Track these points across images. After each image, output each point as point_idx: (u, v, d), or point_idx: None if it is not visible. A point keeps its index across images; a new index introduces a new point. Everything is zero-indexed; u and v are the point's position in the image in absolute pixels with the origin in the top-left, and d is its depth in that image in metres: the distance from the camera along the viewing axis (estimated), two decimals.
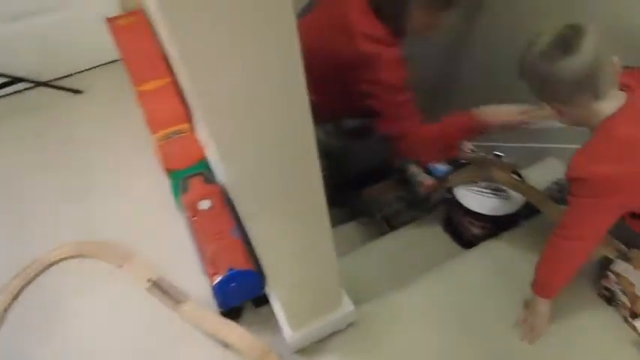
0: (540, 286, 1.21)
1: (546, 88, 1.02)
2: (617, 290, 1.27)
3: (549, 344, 1.25)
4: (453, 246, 1.58)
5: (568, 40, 0.95)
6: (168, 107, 1.58)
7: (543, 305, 1.23)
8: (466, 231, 1.54)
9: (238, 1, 0.64)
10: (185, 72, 0.71)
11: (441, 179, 1.58)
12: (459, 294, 1.37)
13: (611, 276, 1.27)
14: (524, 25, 1.64)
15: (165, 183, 1.50)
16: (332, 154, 1.37)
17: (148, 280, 1.36)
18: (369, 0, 1.26)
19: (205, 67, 0.68)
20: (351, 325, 1.28)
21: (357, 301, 1.27)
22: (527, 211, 1.48)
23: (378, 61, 1.25)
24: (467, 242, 1.54)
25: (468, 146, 1.63)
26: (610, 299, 1.30)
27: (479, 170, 1.52)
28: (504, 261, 1.42)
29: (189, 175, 1.44)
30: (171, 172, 1.46)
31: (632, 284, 1.22)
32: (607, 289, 1.29)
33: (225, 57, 0.68)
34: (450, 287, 1.39)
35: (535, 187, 1.46)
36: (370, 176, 1.75)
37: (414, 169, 1.66)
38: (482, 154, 1.60)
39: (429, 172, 1.62)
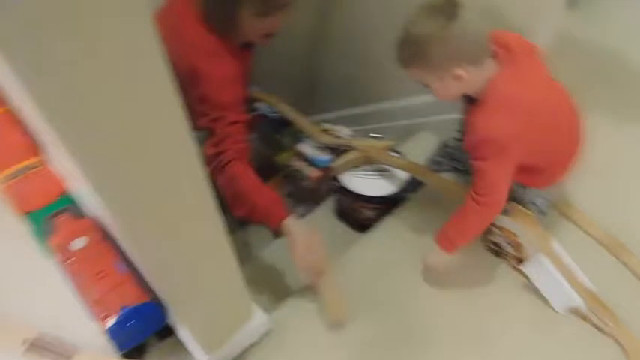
0: (448, 243, 1.25)
1: (450, 51, 1.03)
2: (503, 242, 1.39)
3: (454, 302, 1.34)
4: (350, 233, 1.62)
5: (457, 1, 0.99)
6: (11, 142, 1.38)
7: (446, 256, 1.28)
8: (360, 215, 1.59)
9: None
10: (32, 104, 0.62)
11: (325, 169, 1.60)
12: (365, 278, 1.40)
13: (495, 230, 1.39)
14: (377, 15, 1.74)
15: (23, 227, 1.31)
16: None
17: (24, 342, 1.18)
18: (201, 11, 1.21)
19: (58, 97, 0.59)
20: (265, 334, 1.25)
21: (268, 309, 1.24)
22: (412, 186, 1.57)
23: (209, 77, 1.20)
24: (362, 227, 1.58)
25: (346, 131, 1.67)
26: (497, 252, 1.42)
27: (360, 154, 1.57)
28: (402, 236, 1.48)
29: (52, 214, 1.28)
30: (30, 215, 1.29)
31: (514, 234, 1.35)
32: (493, 242, 1.42)
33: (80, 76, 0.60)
34: (355, 273, 1.41)
35: (415, 162, 1.55)
36: None
37: (297, 164, 1.66)
38: (358, 137, 1.65)
39: (312, 163, 1.64)
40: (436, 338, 1.29)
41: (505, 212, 1.34)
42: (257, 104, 1.67)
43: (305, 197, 1.69)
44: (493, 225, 1.38)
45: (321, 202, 1.69)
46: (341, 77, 1.97)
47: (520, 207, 1.34)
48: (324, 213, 1.67)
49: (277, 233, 1.23)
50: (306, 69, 2.06)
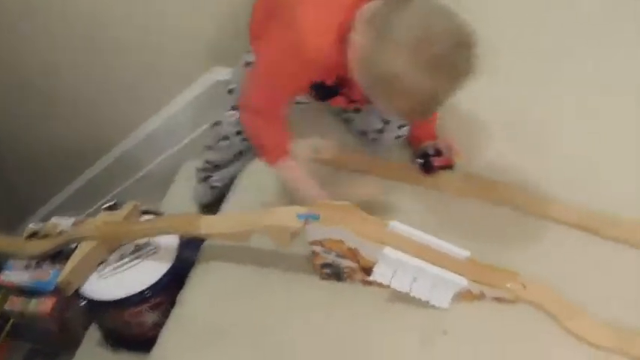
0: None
1: None
2: (333, 258, 1.02)
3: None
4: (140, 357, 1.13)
5: None
6: None
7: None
8: (137, 328, 1.11)
9: None
10: None
11: (57, 290, 1.10)
12: None
13: (316, 248, 1.02)
14: None
15: None
16: None
17: None
18: None
19: None
20: None
21: None
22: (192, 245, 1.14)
23: None
24: (147, 341, 1.09)
25: (66, 221, 1.18)
26: (337, 274, 1.05)
27: (95, 241, 1.09)
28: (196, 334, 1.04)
29: None
30: None
31: (339, 241, 0.99)
32: (325, 265, 1.04)
33: None
34: None
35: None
36: None
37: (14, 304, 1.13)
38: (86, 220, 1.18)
39: (35, 293, 1.12)
40: None
41: (313, 217, 0.99)
42: None
43: (53, 345, 1.16)
44: (311, 243, 1.01)
45: (80, 340, 1.17)
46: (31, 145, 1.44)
47: (320, 203, 1.00)
48: (91, 350, 1.15)
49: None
50: None
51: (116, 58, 1.26)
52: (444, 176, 1.15)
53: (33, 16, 1.19)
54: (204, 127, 1.31)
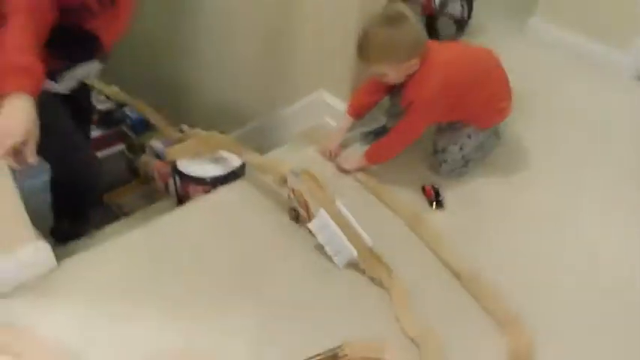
0: (375, 158, 1.79)
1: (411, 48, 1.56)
2: (296, 205, 1.58)
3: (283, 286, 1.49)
4: None
5: (402, 13, 1.56)
6: None
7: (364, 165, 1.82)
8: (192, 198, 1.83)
9: None
10: None
11: (164, 157, 1.88)
12: (177, 247, 1.58)
13: (291, 195, 1.59)
14: None
15: None
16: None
17: None
18: None
19: None
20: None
21: None
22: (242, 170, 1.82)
23: None
24: None
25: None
26: (297, 218, 1.61)
27: (196, 140, 1.84)
28: (220, 213, 1.70)
29: None
30: None
31: (302, 193, 1.55)
32: (293, 209, 1.61)
33: None
34: (167, 241, 1.62)
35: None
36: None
37: (146, 159, 1.96)
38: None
39: (159, 157, 1.93)
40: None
41: (296, 174, 1.57)
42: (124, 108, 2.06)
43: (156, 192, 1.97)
44: (289, 189, 1.59)
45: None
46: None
47: (305, 169, 1.57)
48: (168, 205, 1.90)
49: None
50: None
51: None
52: None
53: None
54: None
